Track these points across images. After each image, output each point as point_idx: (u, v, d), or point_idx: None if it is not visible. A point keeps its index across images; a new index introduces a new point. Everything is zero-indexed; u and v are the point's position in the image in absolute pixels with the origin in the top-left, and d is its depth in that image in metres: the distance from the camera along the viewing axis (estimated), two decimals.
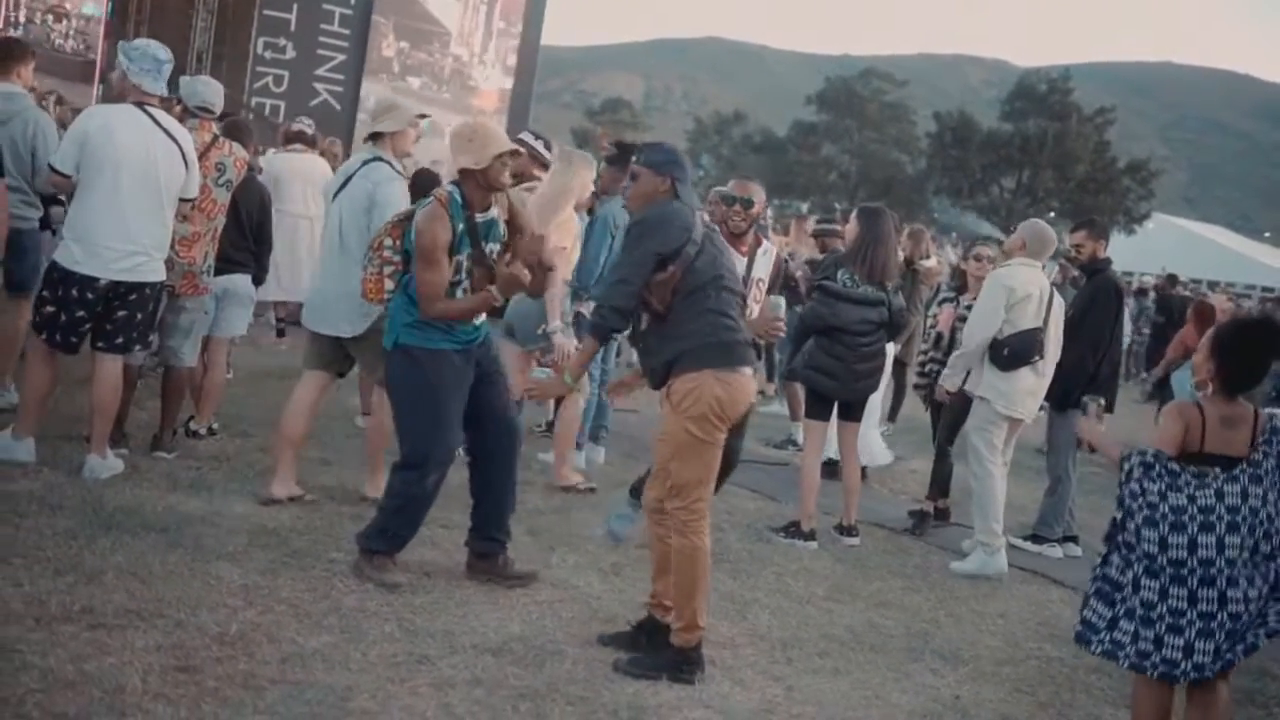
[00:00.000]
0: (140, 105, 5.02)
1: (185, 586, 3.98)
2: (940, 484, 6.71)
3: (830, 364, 5.82)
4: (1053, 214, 49.12)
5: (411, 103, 6.21)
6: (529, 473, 6.44)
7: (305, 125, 9.46)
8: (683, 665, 3.81)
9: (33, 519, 4.39)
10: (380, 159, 5.10)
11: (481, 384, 4.48)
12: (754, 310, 4.90)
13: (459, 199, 4.25)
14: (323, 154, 9.83)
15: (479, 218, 4.30)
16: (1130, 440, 4.32)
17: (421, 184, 6.92)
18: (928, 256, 8.68)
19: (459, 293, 4.31)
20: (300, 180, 8.90)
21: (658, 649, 3.89)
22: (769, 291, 5.20)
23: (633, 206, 4.00)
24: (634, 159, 4.01)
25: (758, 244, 5.22)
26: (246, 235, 6.07)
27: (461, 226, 4.24)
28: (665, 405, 3.86)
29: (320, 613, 3.95)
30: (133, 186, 4.93)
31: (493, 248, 4.37)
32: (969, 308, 6.60)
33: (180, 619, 3.69)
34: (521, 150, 4.65)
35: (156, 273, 5.15)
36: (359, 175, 5.06)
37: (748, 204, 5.10)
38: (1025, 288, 5.88)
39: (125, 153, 4.90)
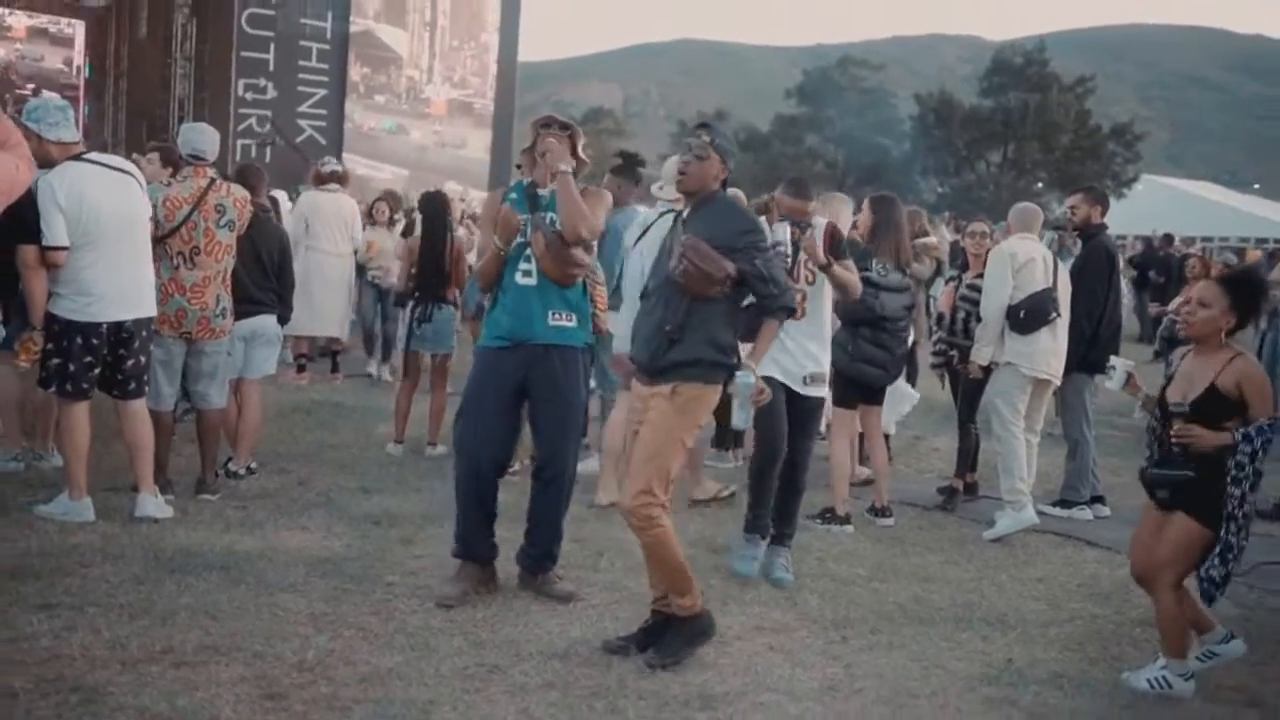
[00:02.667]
0: (78, 158, 5.03)
1: (255, 620, 4.10)
2: (967, 459, 6.83)
3: (877, 354, 5.93)
4: (1040, 185, 49.25)
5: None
6: None
7: (336, 165, 9.95)
8: (699, 631, 3.98)
9: (98, 568, 4.52)
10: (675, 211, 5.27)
11: (534, 403, 4.49)
12: (801, 295, 4.97)
13: (523, 180, 4.52)
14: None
15: (540, 191, 4.44)
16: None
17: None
18: (924, 234, 8.82)
19: (524, 255, 4.40)
20: (332, 218, 9.33)
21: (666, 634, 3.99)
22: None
23: (689, 186, 4.00)
24: (705, 139, 3.99)
25: (807, 226, 5.18)
26: (269, 275, 6.19)
27: (516, 195, 4.47)
28: (658, 399, 3.89)
29: (388, 633, 4.07)
30: (114, 231, 5.02)
31: (553, 217, 4.38)
32: (971, 286, 6.73)
33: (257, 650, 3.81)
34: (555, 122, 4.51)
35: (150, 307, 5.29)
36: (655, 226, 5.17)
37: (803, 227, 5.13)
38: (1026, 254, 6.16)
39: (99, 205, 4.96)
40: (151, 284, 5.31)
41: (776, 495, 5.12)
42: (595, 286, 4.73)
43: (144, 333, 5.25)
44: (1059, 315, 6.14)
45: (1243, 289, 3.93)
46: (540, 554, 4.59)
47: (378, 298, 9.97)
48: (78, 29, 20.55)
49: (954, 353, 6.71)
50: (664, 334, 3.90)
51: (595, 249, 4.75)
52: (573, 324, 4.45)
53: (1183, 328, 4.05)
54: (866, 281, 5.78)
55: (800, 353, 5.01)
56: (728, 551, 5.20)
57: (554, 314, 4.41)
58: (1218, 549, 3.76)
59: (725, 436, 7.27)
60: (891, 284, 5.91)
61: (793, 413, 5.04)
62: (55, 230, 4.86)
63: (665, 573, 3.96)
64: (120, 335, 5.14)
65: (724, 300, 3.92)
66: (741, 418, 3.88)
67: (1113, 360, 4.38)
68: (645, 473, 3.87)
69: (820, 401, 5.18)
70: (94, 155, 5.14)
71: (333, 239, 9.36)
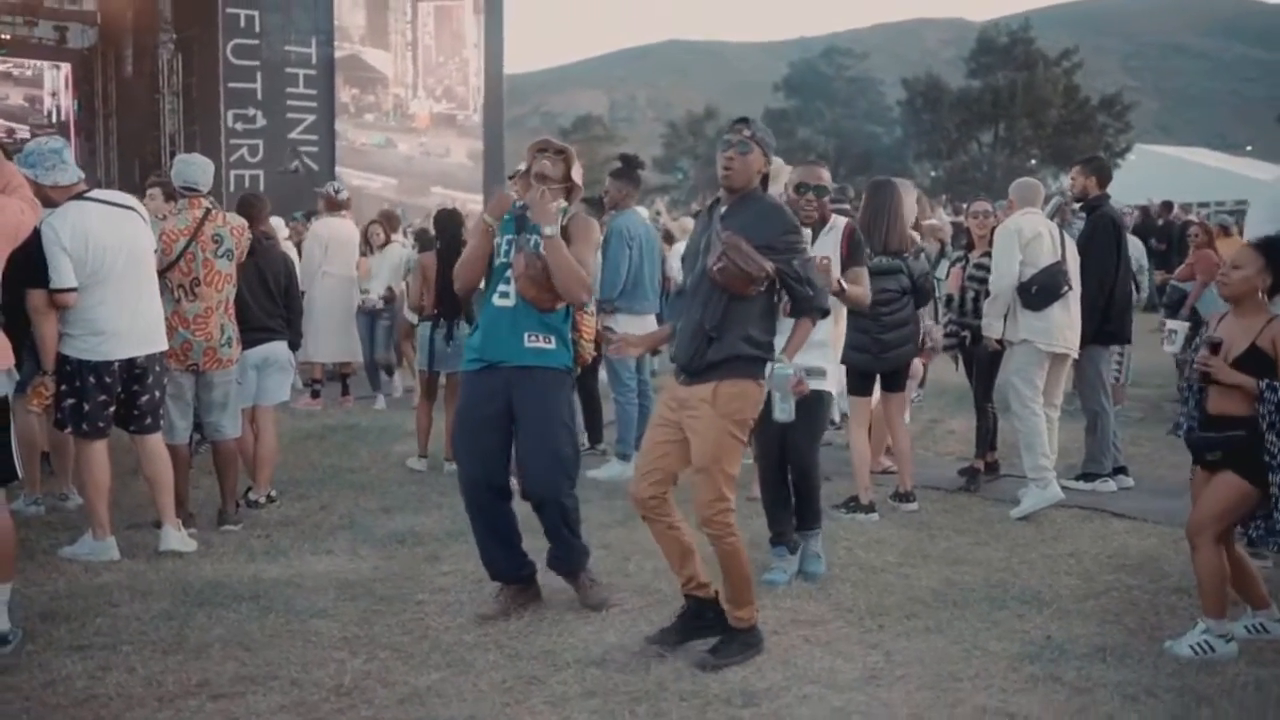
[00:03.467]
0: (80, 197, 4.99)
1: (289, 647, 4.08)
2: (986, 439, 6.80)
3: (858, 339, 5.85)
4: (1034, 161, 49.20)
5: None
6: (584, 490, 6.53)
7: (346, 191, 10.05)
8: (751, 643, 3.98)
9: (127, 606, 4.50)
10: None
11: (516, 426, 4.33)
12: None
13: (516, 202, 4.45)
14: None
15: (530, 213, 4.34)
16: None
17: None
18: (928, 216, 8.84)
19: (505, 274, 4.33)
20: (346, 243, 9.48)
21: (714, 624, 4.02)
22: (846, 267, 5.01)
23: (737, 182, 3.95)
24: (745, 133, 3.96)
25: (823, 223, 5.06)
26: (276, 302, 6.17)
27: (508, 216, 4.41)
28: (701, 406, 3.85)
29: (423, 652, 4.05)
30: (120, 269, 5.00)
31: (537, 239, 4.27)
32: (978, 265, 6.71)
33: (294, 678, 3.79)
34: (551, 147, 4.44)
35: (161, 342, 5.27)
36: None
37: (820, 191, 4.97)
38: (1032, 228, 6.14)
39: (103, 245, 4.93)
40: (161, 319, 5.30)
41: (795, 492, 5.02)
42: (581, 313, 4.53)
43: (157, 367, 5.23)
44: (1070, 288, 6.12)
45: (1276, 249, 3.97)
46: (563, 563, 4.51)
47: (369, 323, 9.70)
48: (62, 70, 20.54)
49: (966, 333, 6.68)
50: (703, 333, 3.87)
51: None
52: (551, 346, 4.33)
53: (1222, 290, 4.08)
54: None
55: None
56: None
57: (530, 336, 4.29)
58: (1274, 498, 3.80)
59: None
60: (880, 266, 5.80)
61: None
62: (61, 273, 4.83)
63: (733, 582, 3.95)
64: (133, 372, 5.12)
65: (760, 298, 3.90)
66: (783, 410, 3.80)
67: (1170, 324, 4.38)
68: (711, 480, 3.85)
69: (818, 395, 4.87)
70: (96, 193, 5.11)
71: (346, 263, 9.47)
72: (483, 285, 4.53)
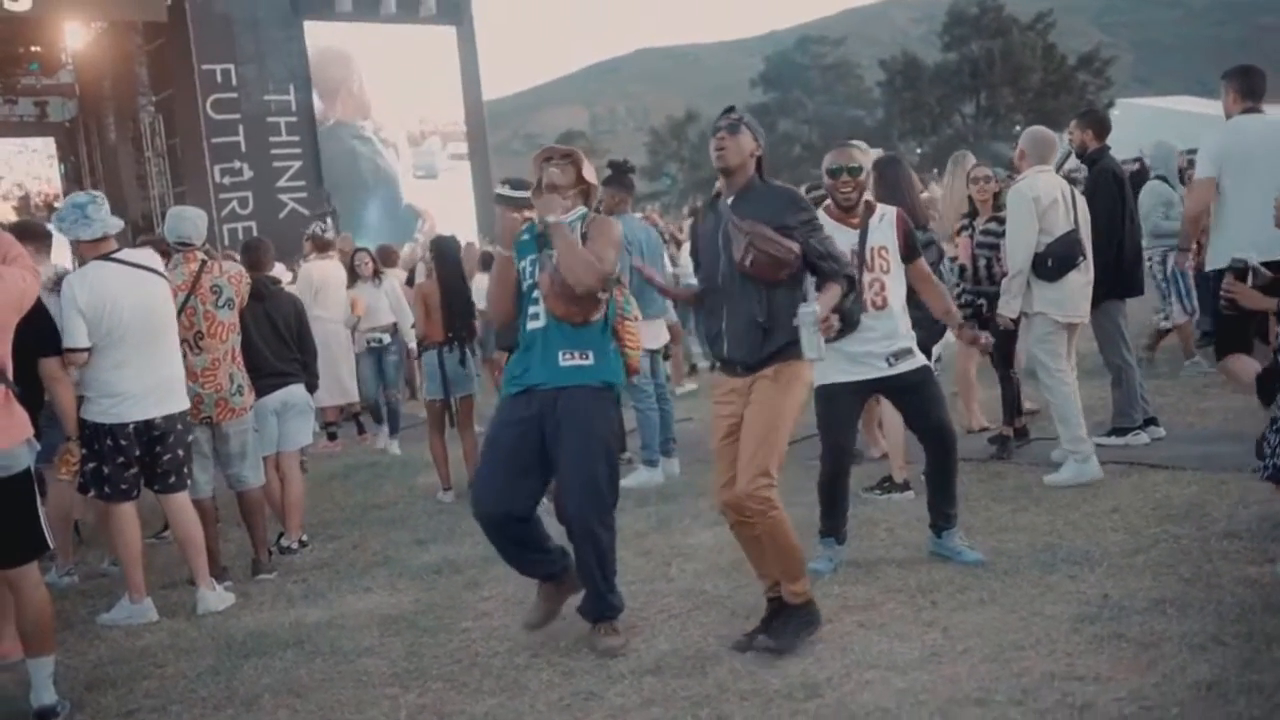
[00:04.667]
0: (104, 257, 4.99)
1: (340, 689, 4.03)
2: (1011, 406, 6.73)
3: (916, 315, 5.82)
4: (1018, 128, 49.06)
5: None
6: None
7: (331, 232, 10.09)
8: (809, 619, 3.96)
9: (172, 666, 4.45)
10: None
11: (553, 452, 4.10)
12: (879, 283, 4.73)
13: (533, 220, 4.27)
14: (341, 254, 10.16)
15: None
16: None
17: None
18: (920, 191, 8.75)
19: (534, 295, 4.16)
20: (336, 285, 9.30)
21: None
22: (909, 260, 4.83)
23: (731, 161, 3.93)
24: (735, 116, 3.99)
25: (870, 211, 4.83)
26: (289, 345, 6.14)
27: (526, 236, 4.25)
28: (761, 381, 3.90)
29: (475, 679, 3.99)
30: (137, 333, 4.98)
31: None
32: (985, 231, 6.64)
33: (349, 719, 3.74)
34: (556, 154, 4.29)
35: (182, 401, 5.22)
36: None
37: (855, 171, 4.73)
38: (1049, 193, 5.87)
39: (119, 307, 4.92)
40: (182, 379, 5.26)
41: (931, 479, 4.87)
42: (623, 322, 4.27)
43: (179, 426, 5.18)
44: (1085, 258, 5.91)
45: None
46: (589, 614, 4.22)
47: (377, 364, 9.41)
48: (48, 144, 20.62)
49: (982, 301, 6.62)
50: (757, 326, 3.89)
51: (625, 283, 4.46)
52: (589, 361, 4.10)
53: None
54: None
55: (874, 340, 4.67)
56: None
57: (565, 354, 4.09)
58: None
59: None
60: (923, 241, 5.78)
61: (898, 397, 4.89)
62: (74, 332, 4.83)
63: (780, 557, 3.93)
64: (151, 433, 5.08)
65: (795, 281, 3.93)
66: (811, 345, 3.77)
67: (1241, 256, 4.36)
68: (760, 456, 3.84)
69: (925, 370, 4.81)
70: (122, 254, 5.08)
71: (337, 305, 9.29)
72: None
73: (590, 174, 4.27)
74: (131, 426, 5.01)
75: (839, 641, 3.94)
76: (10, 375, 3.88)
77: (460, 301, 7.15)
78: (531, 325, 4.15)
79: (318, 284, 9.18)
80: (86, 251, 5.00)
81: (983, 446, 6.71)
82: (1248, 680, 3.20)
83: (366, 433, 9.74)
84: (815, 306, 3.78)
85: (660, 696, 3.65)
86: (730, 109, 4.08)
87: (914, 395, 4.76)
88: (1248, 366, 6.23)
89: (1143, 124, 42.45)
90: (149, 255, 5.27)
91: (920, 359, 4.82)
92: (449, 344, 7.07)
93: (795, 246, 3.85)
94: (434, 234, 10.06)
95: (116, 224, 5.07)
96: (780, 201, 3.95)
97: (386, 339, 9.39)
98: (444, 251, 7.30)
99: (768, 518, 3.85)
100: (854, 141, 5.04)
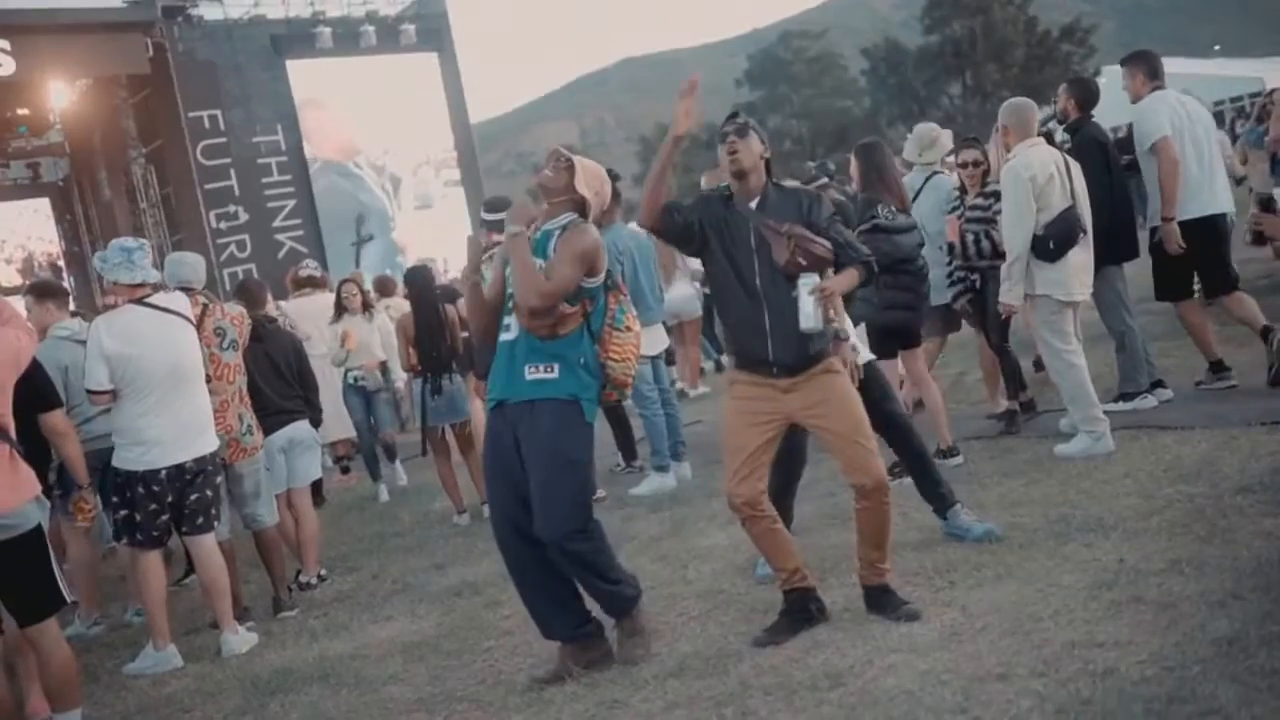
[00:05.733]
0: (139, 301, 5.09)
1: (369, 719, 4.04)
2: (1014, 380, 6.72)
3: (905, 297, 5.79)
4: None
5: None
6: (629, 508, 6.52)
7: (313, 269, 9.84)
8: (901, 599, 4.04)
9: (200, 709, 4.48)
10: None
11: (524, 457, 3.98)
12: None
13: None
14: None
15: (535, 233, 4.14)
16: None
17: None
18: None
19: (508, 309, 4.09)
20: (321, 321, 9.13)
21: (818, 615, 4.08)
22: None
23: (746, 163, 4.01)
24: (741, 120, 4.09)
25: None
26: (290, 383, 6.18)
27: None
28: (827, 375, 4.01)
29: (500, 698, 4.00)
30: (164, 379, 5.04)
31: (540, 263, 4.02)
32: (972, 206, 6.61)
33: None
34: (557, 156, 4.20)
35: (211, 443, 5.26)
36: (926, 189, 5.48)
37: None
38: (1044, 169, 5.73)
39: (146, 353, 4.99)
40: (210, 421, 5.30)
41: (909, 468, 5.02)
42: (612, 333, 4.11)
43: (208, 468, 5.22)
44: (1085, 233, 5.79)
45: None
46: (605, 610, 4.13)
47: (365, 404, 8.75)
48: (44, 205, 20.74)
49: (974, 277, 6.60)
50: (803, 329, 3.92)
51: (624, 290, 4.25)
52: (554, 375, 3.96)
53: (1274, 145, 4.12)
54: (876, 229, 5.68)
55: None
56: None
57: (531, 367, 3.97)
58: None
59: None
60: (900, 225, 5.80)
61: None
62: (95, 375, 4.95)
63: (883, 539, 4.04)
64: (183, 477, 5.12)
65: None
66: (808, 317, 3.85)
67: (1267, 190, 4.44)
68: (866, 437, 3.99)
69: (869, 365, 4.85)
70: (154, 299, 5.16)
71: (323, 340, 9.02)
72: None
73: (583, 186, 4.13)
74: (164, 472, 5.06)
75: (860, 629, 3.93)
76: (13, 434, 3.91)
77: (428, 332, 7.07)
78: (503, 337, 4.08)
79: (296, 322, 8.96)
80: (122, 294, 5.11)
81: (988, 425, 6.70)
82: (1268, 632, 3.19)
83: (352, 473, 9.60)
84: (815, 277, 3.88)
85: (684, 699, 3.65)
86: (735, 114, 4.17)
87: (861, 391, 4.81)
88: (1247, 302, 6.36)
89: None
90: (179, 299, 5.33)
91: (867, 355, 4.94)
92: (422, 375, 7.09)
93: (828, 243, 3.95)
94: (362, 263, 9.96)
95: (156, 275, 5.24)
96: (804, 202, 4.07)
97: (367, 379, 8.67)
98: (412, 282, 7.32)
99: (888, 499, 4.00)
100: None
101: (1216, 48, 70.69)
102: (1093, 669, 3.21)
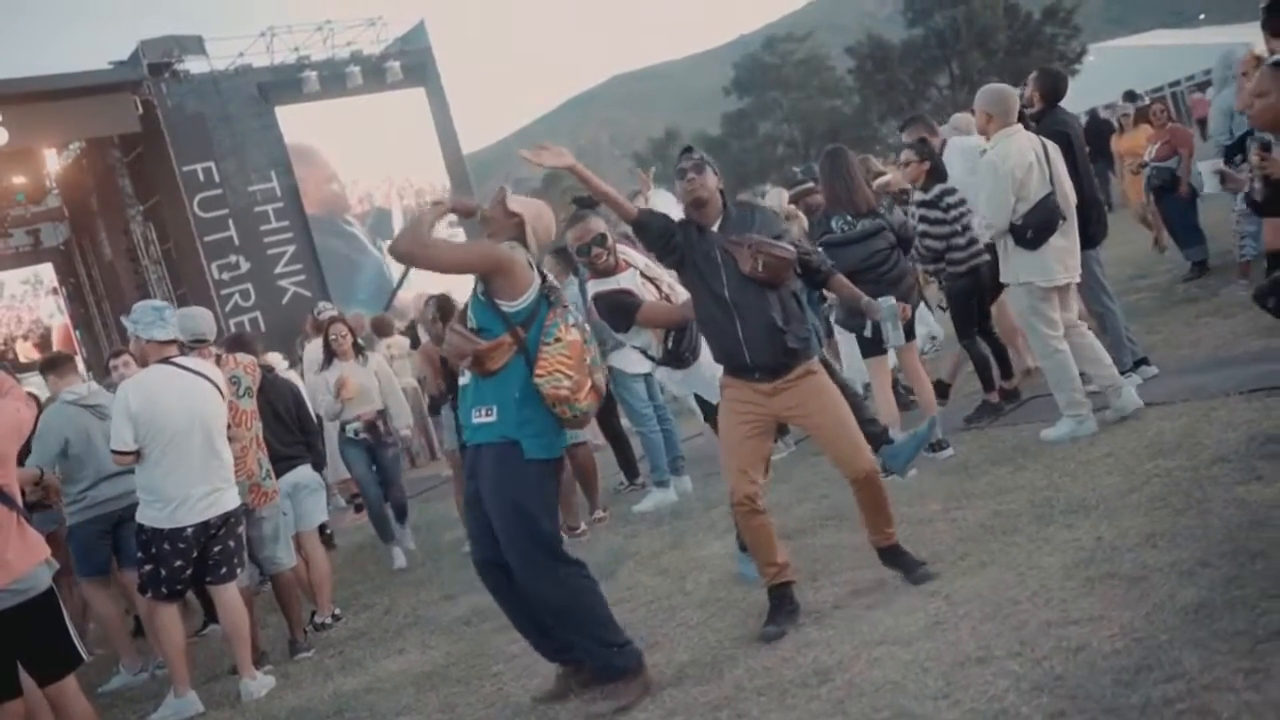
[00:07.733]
0: (167, 360, 5.27)
1: None
2: (987, 371, 6.83)
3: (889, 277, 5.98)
4: None
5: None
6: (631, 525, 6.64)
7: (332, 310, 10.15)
8: (915, 560, 4.38)
9: None
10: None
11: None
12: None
13: None
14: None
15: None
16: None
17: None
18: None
19: None
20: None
21: (798, 606, 4.31)
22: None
23: (706, 194, 4.33)
24: (697, 156, 4.41)
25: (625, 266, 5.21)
26: (291, 429, 6.35)
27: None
28: (809, 378, 4.29)
29: (506, 719, 4.13)
30: (189, 439, 5.18)
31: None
32: (920, 203, 6.68)
33: None
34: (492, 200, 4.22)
35: (234, 500, 5.41)
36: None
37: (601, 240, 5.17)
38: (1023, 158, 5.75)
39: (172, 413, 5.15)
40: (232, 478, 5.44)
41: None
42: (541, 349, 3.93)
43: (231, 520, 5.37)
44: (1066, 219, 5.81)
45: None
46: (591, 666, 4.08)
47: (369, 459, 7.71)
48: (46, 270, 20.99)
49: (932, 279, 6.74)
50: (778, 330, 4.22)
51: (565, 304, 4.07)
52: (492, 418, 3.92)
53: (1254, 122, 4.27)
54: (826, 246, 5.80)
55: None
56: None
57: (476, 411, 3.97)
58: None
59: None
60: (854, 236, 5.93)
61: None
62: (120, 435, 5.12)
63: (884, 510, 4.38)
64: (208, 532, 5.27)
65: (790, 286, 4.33)
66: (896, 336, 4.38)
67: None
68: (856, 436, 4.30)
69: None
70: (181, 360, 5.35)
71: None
72: None
73: (518, 206, 4.16)
74: (190, 530, 5.20)
75: (848, 625, 4.05)
76: (20, 501, 4.06)
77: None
78: (462, 381, 4.14)
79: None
80: (151, 353, 5.27)
81: (984, 411, 6.80)
82: (1232, 596, 3.30)
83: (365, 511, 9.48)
84: (893, 299, 4.42)
85: (681, 707, 3.77)
86: (688, 149, 4.49)
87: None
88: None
89: (1116, 66, 42.46)
90: (205, 362, 5.52)
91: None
92: (453, 399, 7.21)
93: (791, 248, 4.26)
94: (395, 303, 10.02)
95: (180, 333, 5.45)
96: (761, 217, 4.42)
97: (363, 433, 7.62)
98: (443, 310, 7.45)
99: (879, 479, 4.35)
100: (583, 210, 5.25)
101: (1202, 16, 70.60)
102: (1066, 645, 3.32)
